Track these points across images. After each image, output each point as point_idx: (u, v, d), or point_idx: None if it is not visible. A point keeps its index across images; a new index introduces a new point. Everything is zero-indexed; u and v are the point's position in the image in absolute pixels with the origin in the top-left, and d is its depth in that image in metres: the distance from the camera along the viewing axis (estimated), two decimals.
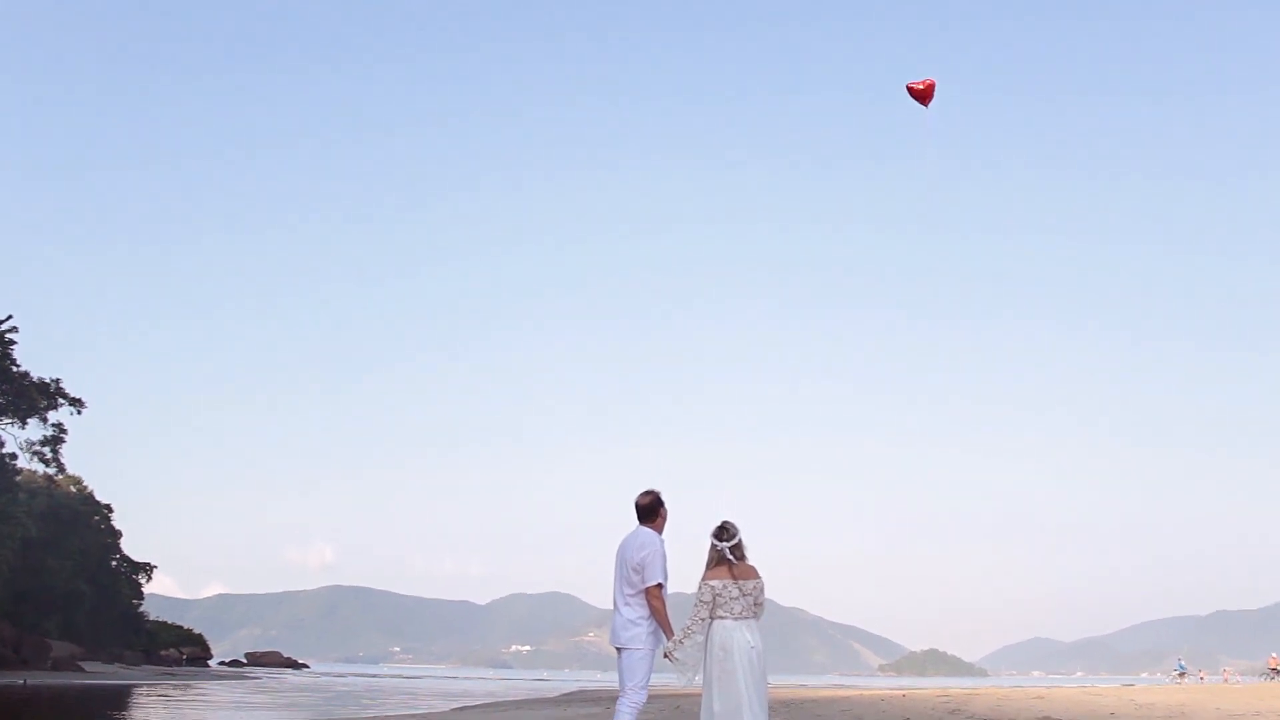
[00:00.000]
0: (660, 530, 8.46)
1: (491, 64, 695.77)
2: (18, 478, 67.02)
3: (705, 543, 8.22)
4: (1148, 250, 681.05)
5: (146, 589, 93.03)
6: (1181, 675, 63.82)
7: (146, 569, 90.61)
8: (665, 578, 8.22)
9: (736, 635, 7.92)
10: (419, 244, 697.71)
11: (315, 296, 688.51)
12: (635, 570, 8.21)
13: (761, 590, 8.09)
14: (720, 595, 7.96)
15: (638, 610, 8.23)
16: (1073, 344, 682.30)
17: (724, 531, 8.13)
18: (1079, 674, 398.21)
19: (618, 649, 8.32)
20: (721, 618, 7.97)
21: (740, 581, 8.00)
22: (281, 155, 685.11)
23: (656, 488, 8.54)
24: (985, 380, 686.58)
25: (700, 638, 8.00)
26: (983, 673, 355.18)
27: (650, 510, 8.45)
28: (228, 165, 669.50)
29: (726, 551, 8.07)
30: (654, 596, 8.18)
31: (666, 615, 8.19)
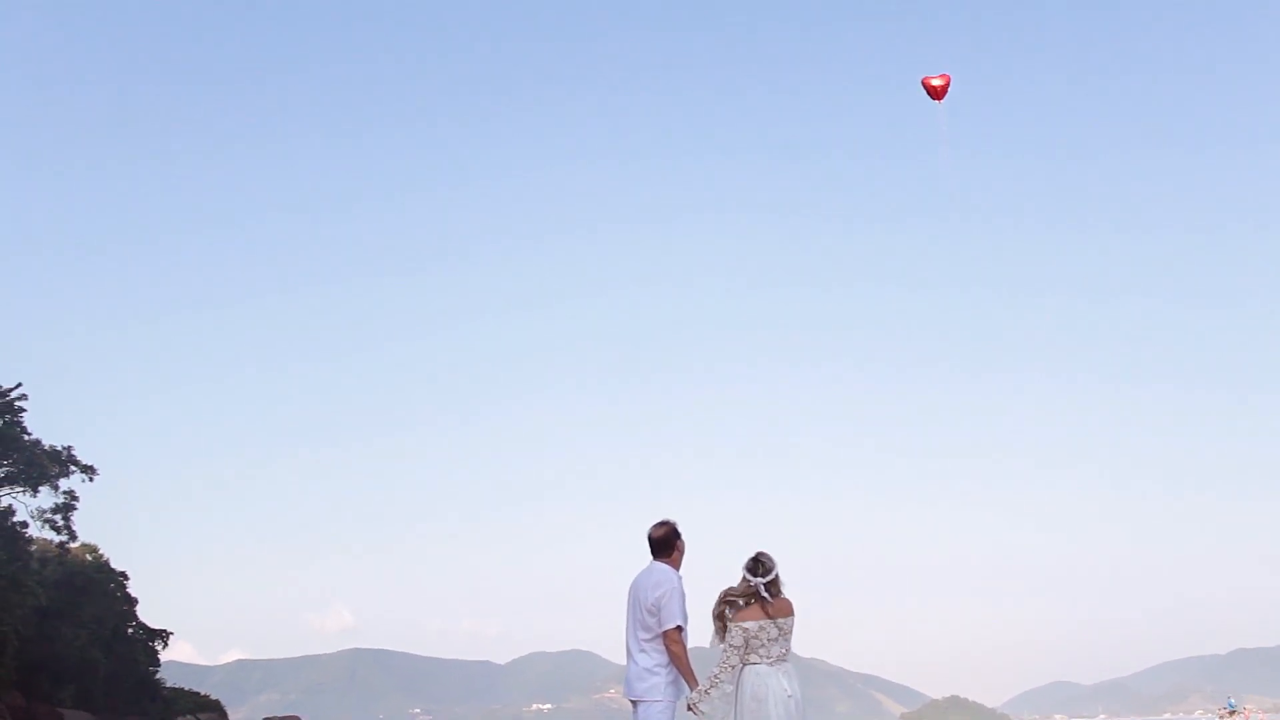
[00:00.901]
0: (678, 566, 7.54)
1: (508, 122, 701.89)
2: (31, 547, 66.80)
3: (735, 577, 7.27)
4: (1160, 291, 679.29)
5: (166, 656, 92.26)
6: (1231, 714, 62.21)
7: (163, 635, 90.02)
8: (685, 619, 7.30)
9: (772, 682, 7.00)
10: (432, 306, 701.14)
11: (330, 361, 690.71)
12: (650, 612, 7.30)
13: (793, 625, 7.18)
14: (755, 638, 7.05)
15: (655, 657, 7.31)
16: (1083, 390, 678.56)
17: (759, 565, 7.21)
18: (1101, 717, 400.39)
19: (633, 702, 7.42)
20: (754, 663, 7.05)
21: (778, 620, 7.10)
22: (292, 218, 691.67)
23: (672, 518, 7.62)
24: (999, 427, 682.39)
25: (729, 687, 7.05)
26: (1005, 718, 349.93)
27: (665, 543, 7.54)
28: (242, 228, 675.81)
29: (761, 588, 7.14)
30: (673, 641, 7.25)
31: (688, 661, 7.26)
